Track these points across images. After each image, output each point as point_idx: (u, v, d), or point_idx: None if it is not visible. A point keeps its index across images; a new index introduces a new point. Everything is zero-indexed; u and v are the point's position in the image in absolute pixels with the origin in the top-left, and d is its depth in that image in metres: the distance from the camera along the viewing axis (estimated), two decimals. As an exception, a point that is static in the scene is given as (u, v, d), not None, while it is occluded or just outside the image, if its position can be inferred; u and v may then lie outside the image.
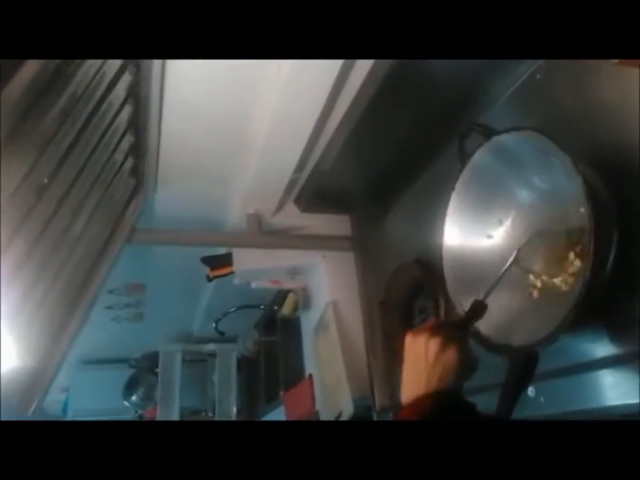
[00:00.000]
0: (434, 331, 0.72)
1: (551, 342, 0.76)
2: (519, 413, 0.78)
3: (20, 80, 0.71)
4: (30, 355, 1.01)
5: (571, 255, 0.83)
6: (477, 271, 0.94)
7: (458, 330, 0.77)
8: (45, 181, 0.94)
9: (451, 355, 0.70)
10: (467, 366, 0.73)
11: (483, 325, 0.91)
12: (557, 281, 0.85)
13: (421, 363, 0.71)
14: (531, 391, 0.88)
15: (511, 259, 0.85)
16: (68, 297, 1.29)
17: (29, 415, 1.13)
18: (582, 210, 0.75)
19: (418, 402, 0.69)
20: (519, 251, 0.86)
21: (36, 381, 1.15)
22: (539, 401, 0.87)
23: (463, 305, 0.94)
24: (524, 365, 0.78)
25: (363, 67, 1.11)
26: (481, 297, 0.92)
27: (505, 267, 0.85)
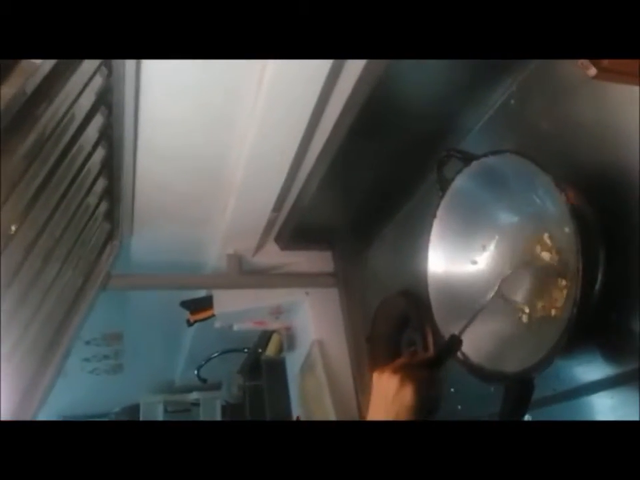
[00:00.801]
0: (397, 370, 0.77)
1: (545, 367, 0.74)
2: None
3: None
4: (2, 405, 0.95)
5: (560, 282, 0.82)
6: (464, 297, 0.92)
7: (424, 369, 0.79)
8: (13, 228, 0.91)
9: (409, 394, 0.74)
10: (425, 406, 0.76)
11: (474, 354, 0.88)
12: (544, 306, 0.84)
13: (382, 400, 0.76)
14: (527, 419, 0.86)
15: (494, 290, 0.84)
16: (41, 347, 1.23)
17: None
18: (567, 230, 0.74)
19: None
20: (502, 282, 0.85)
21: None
22: (537, 430, 0.85)
23: (451, 332, 0.92)
24: (519, 393, 0.76)
25: (340, 97, 1.11)
26: (472, 325, 0.90)
27: (488, 298, 0.84)
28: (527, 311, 0.87)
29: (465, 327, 0.82)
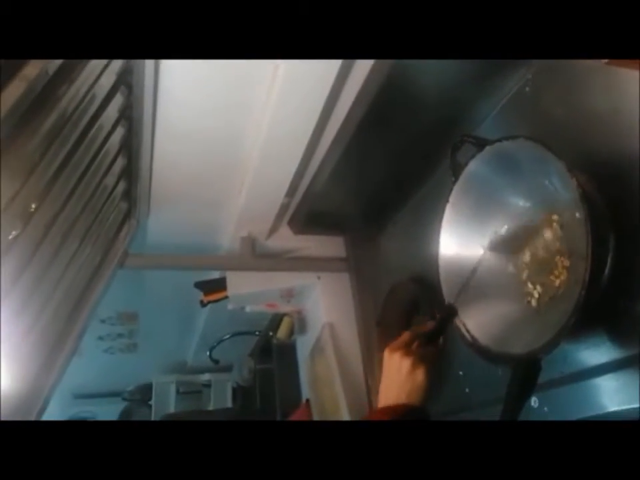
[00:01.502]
0: (408, 350, 0.81)
1: (551, 349, 0.75)
2: (523, 425, 0.77)
3: (6, 100, 0.70)
4: (19, 380, 0.98)
5: (565, 263, 0.83)
6: (474, 282, 0.94)
7: (430, 346, 0.84)
8: (33, 206, 0.93)
9: (421, 375, 0.79)
10: (434, 381, 0.80)
11: (482, 336, 0.90)
12: (549, 288, 0.85)
13: (394, 378, 0.80)
14: (534, 401, 0.87)
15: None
16: (59, 323, 1.26)
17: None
18: (577, 215, 0.75)
19: (387, 410, 0.79)
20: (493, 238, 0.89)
21: (25, 409, 1.12)
22: (542, 411, 0.86)
23: (461, 316, 0.93)
24: (526, 373, 0.78)
25: (353, 87, 1.12)
26: (480, 307, 0.92)
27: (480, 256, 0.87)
28: (535, 293, 0.88)
29: (460, 292, 0.87)
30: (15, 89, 0.71)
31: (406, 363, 0.79)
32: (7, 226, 0.86)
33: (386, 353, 0.83)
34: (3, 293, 0.86)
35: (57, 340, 1.26)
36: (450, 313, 0.88)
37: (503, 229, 0.92)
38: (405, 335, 0.85)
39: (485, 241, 0.93)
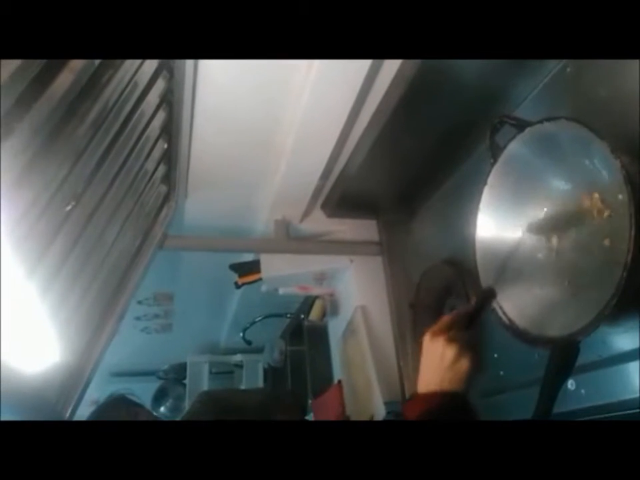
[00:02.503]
0: (451, 335, 0.79)
1: (591, 331, 0.75)
2: (559, 407, 0.77)
3: (55, 88, 0.73)
4: (69, 352, 1.03)
5: (606, 243, 0.82)
6: (512, 264, 0.94)
7: (471, 330, 0.82)
8: (80, 190, 0.96)
9: (465, 363, 0.77)
10: (476, 372, 0.79)
11: (520, 319, 0.90)
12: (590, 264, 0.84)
13: (436, 365, 0.78)
14: (571, 384, 0.87)
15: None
16: (102, 303, 1.31)
17: (66, 415, 1.14)
18: (620, 197, 0.74)
19: (429, 396, 0.77)
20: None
21: (74, 381, 1.17)
22: (579, 393, 0.86)
23: (498, 299, 0.94)
24: (564, 356, 0.78)
25: (389, 70, 1.12)
26: (517, 290, 0.92)
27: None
28: (573, 275, 0.87)
29: (499, 274, 0.86)
30: (64, 80, 0.73)
31: (449, 349, 0.77)
32: (57, 207, 0.89)
33: (426, 338, 0.82)
34: (57, 265, 0.90)
35: (100, 319, 1.30)
36: (489, 295, 0.87)
37: (543, 212, 0.91)
38: (445, 319, 0.83)
39: (524, 224, 0.93)
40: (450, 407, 0.75)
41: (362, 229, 1.77)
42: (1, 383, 0.76)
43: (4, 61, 0.57)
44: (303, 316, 2.23)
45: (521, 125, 0.85)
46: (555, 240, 0.89)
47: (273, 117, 1.28)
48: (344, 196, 1.62)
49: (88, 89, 0.83)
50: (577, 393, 0.86)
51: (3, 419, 0.80)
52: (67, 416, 1.17)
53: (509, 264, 0.93)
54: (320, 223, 1.75)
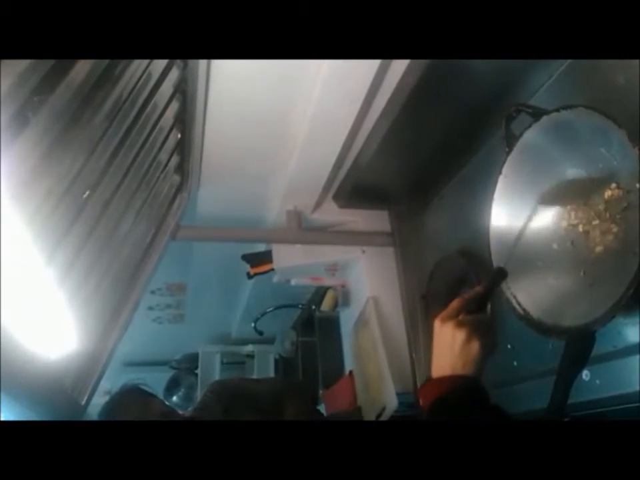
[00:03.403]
0: (461, 319, 0.79)
1: (606, 321, 0.75)
2: (574, 398, 0.77)
3: (70, 81, 0.73)
4: (85, 340, 1.04)
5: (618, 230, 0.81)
6: (526, 254, 0.93)
7: (481, 313, 0.82)
8: (94, 181, 0.97)
9: (476, 345, 0.77)
10: (488, 354, 0.79)
11: (534, 309, 0.90)
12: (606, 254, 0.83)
13: (448, 349, 0.78)
14: (585, 374, 0.87)
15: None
16: (117, 292, 1.32)
17: (82, 403, 1.16)
18: (638, 186, 0.73)
19: (442, 381, 0.77)
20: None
21: (89, 370, 1.18)
22: (594, 384, 0.86)
23: (511, 288, 0.93)
24: (580, 346, 0.77)
25: (402, 61, 1.11)
26: (531, 280, 0.92)
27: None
28: (589, 264, 0.86)
29: (510, 254, 0.86)
30: (80, 71, 0.74)
31: (459, 333, 0.77)
32: (73, 199, 0.90)
33: (436, 323, 0.81)
34: (75, 252, 0.91)
35: (115, 308, 1.32)
36: (499, 275, 0.86)
37: (558, 201, 0.90)
38: (455, 303, 0.82)
39: (539, 212, 0.92)
40: (463, 390, 0.75)
41: (374, 219, 1.77)
42: (21, 369, 0.77)
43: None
44: (314, 306, 2.23)
45: (537, 114, 0.85)
46: (570, 230, 0.88)
47: (286, 107, 1.28)
48: (356, 186, 1.62)
49: (103, 80, 0.83)
50: (592, 384, 0.86)
51: (22, 406, 0.82)
52: (82, 404, 1.19)
53: (524, 253, 0.92)
54: (332, 214, 1.75)
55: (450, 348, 0.77)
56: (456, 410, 0.74)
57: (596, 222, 0.84)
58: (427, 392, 0.78)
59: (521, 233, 0.89)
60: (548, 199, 0.91)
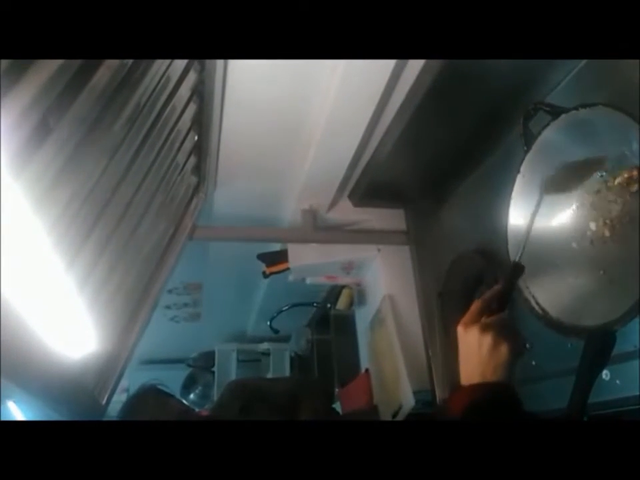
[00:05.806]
0: (485, 322, 0.77)
1: (627, 321, 0.75)
2: (594, 398, 0.76)
3: (95, 86, 0.74)
4: (106, 340, 1.06)
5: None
6: (545, 254, 0.93)
7: (503, 313, 0.80)
8: (114, 185, 0.98)
9: (504, 348, 0.75)
10: (517, 356, 0.77)
11: (553, 309, 0.90)
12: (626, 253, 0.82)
13: (475, 354, 0.76)
14: (605, 374, 0.86)
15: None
16: (137, 292, 1.34)
17: (103, 402, 1.18)
18: (659, 184, 0.73)
19: (473, 389, 0.75)
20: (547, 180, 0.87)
21: (110, 369, 1.20)
22: (614, 384, 0.85)
23: (530, 288, 0.93)
24: (600, 346, 0.77)
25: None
26: (550, 280, 0.91)
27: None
28: (608, 263, 0.85)
29: (524, 247, 0.84)
30: (101, 77, 0.75)
31: (485, 337, 0.74)
32: (94, 202, 0.91)
33: (460, 329, 0.79)
34: (96, 254, 0.93)
35: (134, 308, 1.33)
36: (516, 269, 0.84)
37: (577, 200, 0.90)
38: (475, 305, 0.80)
39: (558, 211, 0.92)
40: (496, 396, 0.73)
41: (389, 218, 1.77)
42: (44, 369, 0.79)
43: (45, 61, 0.58)
44: (329, 305, 2.24)
45: (555, 112, 0.84)
46: (590, 229, 0.88)
47: (302, 107, 1.28)
48: (371, 185, 1.62)
49: (123, 85, 0.84)
50: (612, 384, 0.85)
51: (45, 405, 0.83)
52: (103, 403, 1.21)
53: (543, 255, 0.92)
54: (347, 213, 1.75)
55: (477, 353, 0.75)
56: (490, 417, 0.72)
57: (616, 221, 0.83)
58: (458, 399, 0.75)
59: (529, 228, 0.88)
60: (565, 197, 0.91)
